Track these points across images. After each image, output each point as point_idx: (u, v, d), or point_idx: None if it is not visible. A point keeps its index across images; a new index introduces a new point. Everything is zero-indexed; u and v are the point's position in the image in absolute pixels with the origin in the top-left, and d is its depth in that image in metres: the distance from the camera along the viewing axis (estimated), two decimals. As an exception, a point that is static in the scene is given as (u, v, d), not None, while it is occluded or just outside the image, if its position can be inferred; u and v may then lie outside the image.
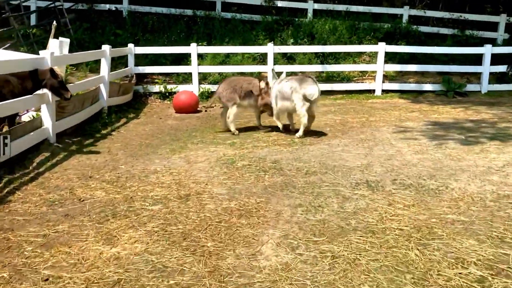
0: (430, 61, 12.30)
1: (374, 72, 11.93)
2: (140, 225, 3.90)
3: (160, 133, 7.79)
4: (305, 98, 6.89)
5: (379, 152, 6.08)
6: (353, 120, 8.48)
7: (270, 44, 11.43)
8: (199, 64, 11.47)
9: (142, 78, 11.72)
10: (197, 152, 6.32)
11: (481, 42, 12.90)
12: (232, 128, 7.49)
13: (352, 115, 9.04)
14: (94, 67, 10.90)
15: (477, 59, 12.08)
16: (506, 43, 13.88)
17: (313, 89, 6.98)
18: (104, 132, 7.79)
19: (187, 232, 3.74)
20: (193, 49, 11.22)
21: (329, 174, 5.17)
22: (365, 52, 12.88)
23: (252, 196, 4.54)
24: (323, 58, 12.40)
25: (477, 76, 12.17)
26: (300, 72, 12.10)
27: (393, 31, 13.72)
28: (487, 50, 11.66)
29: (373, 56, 12.65)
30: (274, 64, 11.44)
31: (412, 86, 11.89)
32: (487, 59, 11.67)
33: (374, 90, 11.72)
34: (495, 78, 12.20)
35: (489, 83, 11.89)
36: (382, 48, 11.48)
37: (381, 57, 11.50)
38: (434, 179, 4.97)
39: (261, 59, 12.28)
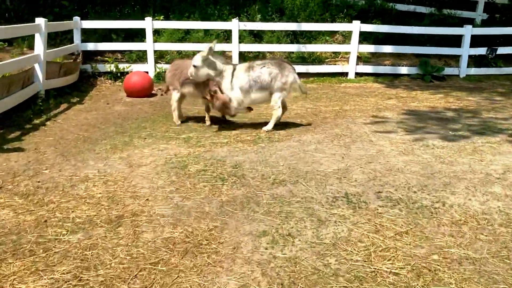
0: (406, 42, 11.46)
1: (348, 53, 11.01)
2: (46, 269, 2.86)
3: (104, 123, 6.65)
4: (285, 88, 5.95)
5: (358, 152, 5.19)
6: (326, 109, 7.55)
7: (235, 20, 10.28)
8: (155, 41, 10.25)
9: (91, 56, 10.40)
10: (143, 151, 5.26)
11: (459, 22, 12.15)
12: (175, 118, 6.48)
13: (325, 103, 8.11)
14: (33, 42, 9.51)
15: (455, 41, 11.32)
16: (484, 23, 13.19)
17: (294, 77, 6.07)
18: (36, 122, 6.59)
19: (109, 283, 2.72)
20: (148, 24, 9.97)
21: (300, 184, 4.23)
22: (338, 31, 11.91)
23: (204, 218, 3.55)
24: (293, 37, 11.36)
25: (455, 59, 11.44)
26: (268, 52, 11.09)
27: (368, 9, 12.78)
28: (467, 31, 10.90)
29: (346, 36, 11.72)
30: (240, 43, 10.35)
31: (387, 69, 11.05)
32: (466, 41, 10.93)
33: (347, 73, 10.83)
34: (473, 61, 11.50)
35: (467, 67, 11.19)
36: (356, 27, 10.54)
37: (355, 37, 10.57)
38: (426, 191, 4.11)
39: (226, 36, 11.14)
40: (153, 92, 8.98)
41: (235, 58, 10.26)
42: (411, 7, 13.22)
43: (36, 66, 7.37)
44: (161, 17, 10.80)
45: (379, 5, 12.87)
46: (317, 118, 6.93)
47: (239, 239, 3.23)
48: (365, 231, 3.35)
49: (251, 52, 10.94)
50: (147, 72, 9.81)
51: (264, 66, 6.00)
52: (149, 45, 10.06)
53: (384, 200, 3.90)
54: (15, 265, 2.90)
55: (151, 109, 7.71)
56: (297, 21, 11.52)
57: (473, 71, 11.23)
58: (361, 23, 10.58)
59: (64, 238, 3.24)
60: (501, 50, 11.13)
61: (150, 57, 10.11)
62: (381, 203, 3.84)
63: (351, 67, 10.75)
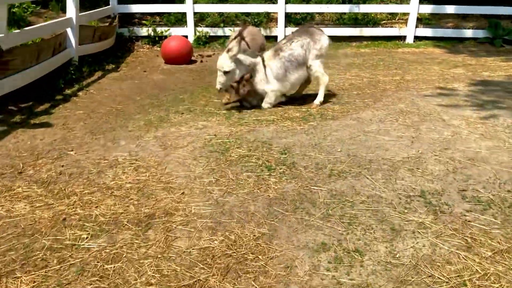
0: (472, 1, 10.16)
1: (406, 14, 9.92)
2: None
3: (139, 94, 6.10)
4: (322, 53, 5.28)
5: (430, 135, 4.38)
6: (385, 79, 6.68)
7: (281, -22, 9.35)
8: (195, 2, 9.51)
9: (128, 19, 9.83)
10: (180, 129, 4.67)
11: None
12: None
13: (383, 71, 7.22)
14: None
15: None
16: None
17: (327, 39, 5.37)
18: (68, 92, 6.11)
19: (131, 315, 2.18)
20: (188, -17, 9.23)
21: (364, 177, 3.52)
22: (394, -11, 10.74)
23: (248, 222, 2.93)
24: (345, -4, 10.32)
25: (530, 21, 10.10)
26: (317, 13, 10.14)
27: (428, -37, 11.45)
28: (546, -12, 9.51)
29: (404, -6, 10.55)
30: (286, 3, 9.44)
31: (449, 32, 9.87)
32: (545, -1, 9.56)
33: (404, 37, 9.76)
34: (551, 22, 10.12)
35: (544, 29, 9.84)
36: (417, -16, 9.38)
37: (416, -4, 9.42)
38: (523, 190, 3.32)
39: (270, -4, 10.25)
40: (193, 58, 8.35)
41: (281, 21, 9.41)
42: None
43: (69, 30, 6.85)
44: (202, -24, 10.02)
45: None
46: (376, 90, 6.09)
47: (292, 253, 2.59)
48: (453, 248, 2.63)
49: (298, 13, 10.02)
50: (186, 37, 9.17)
51: (292, 41, 5.23)
52: (188, 7, 9.33)
53: (471, 202, 3.14)
54: (23, 281, 2.40)
55: (190, 78, 7.09)
56: (349, -22, 10.44)
57: (551, 34, 9.88)
58: (423, -21, 9.41)
59: (83, 244, 2.71)
60: None
61: (190, 19, 9.41)
62: (467, 206, 3.09)
63: (409, 30, 9.67)
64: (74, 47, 6.93)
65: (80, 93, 6.10)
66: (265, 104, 5.34)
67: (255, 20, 9.66)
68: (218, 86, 5.15)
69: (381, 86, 6.29)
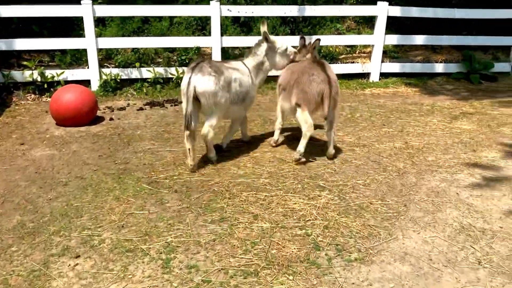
0: (441, 31, 8.60)
1: (366, 46, 8.12)
2: None
3: (1, 202, 3.48)
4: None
5: None
6: (384, 147, 4.63)
7: (215, 3, 7.06)
8: (98, 35, 6.97)
9: (3, 58, 7.03)
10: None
11: (508, 2, 9.42)
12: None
13: (370, 131, 5.20)
14: None
15: (503, 27, 8.58)
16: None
17: (186, 81, 3.89)
18: None
19: None
20: (87, 9, 6.61)
21: None
22: (348, 17, 8.94)
23: None
24: (294, 25, 8.31)
25: (505, 52, 8.75)
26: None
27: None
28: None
29: (360, 22, 8.79)
30: (223, 35, 7.21)
31: (418, 67, 8.18)
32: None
33: (368, 74, 7.92)
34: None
35: (521, 61, 8.53)
36: (383, 10, 7.57)
37: (381, 24, 7.61)
38: None
39: (201, 26, 7.96)
40: (99, 113, 5.83)
41: (216, 57, 7.12)
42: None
43: None
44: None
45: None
46: (387, 173, 3.97)
47: None
48: None
49: (238, 47, 7.84)
50: (88, 82, 6.65)
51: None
52: (89, 41, 6.73)
53: None
54: None
55: (93, 153, 4.56)
56: (297, 3, 8.44)
57: (528, 66, 8.58)
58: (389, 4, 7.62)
59: None
60: None
61: (92, 58, 6.79)
62: None
63: (374, 66, 7.83)
64: None
65: None
66: None
67: (182, 57, 7.27)
68: None
69: (388, 163, 4.19)
